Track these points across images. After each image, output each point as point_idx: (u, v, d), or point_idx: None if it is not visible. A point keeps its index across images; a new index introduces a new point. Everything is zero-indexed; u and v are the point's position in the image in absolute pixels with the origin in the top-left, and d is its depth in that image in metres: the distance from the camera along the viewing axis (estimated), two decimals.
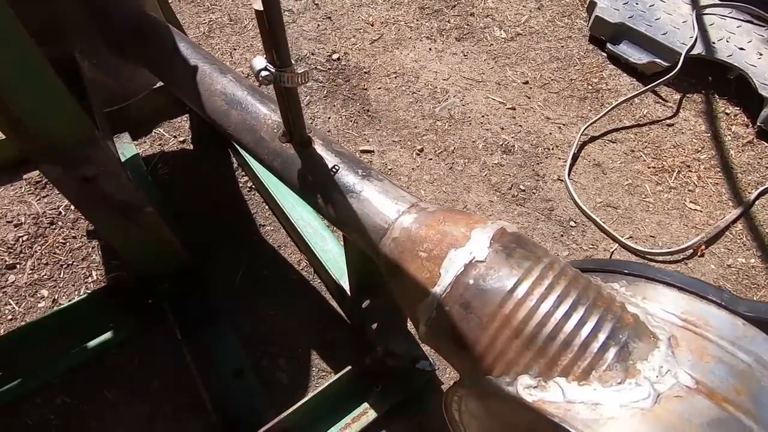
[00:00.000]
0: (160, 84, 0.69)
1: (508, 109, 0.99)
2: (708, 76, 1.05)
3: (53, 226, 0.72)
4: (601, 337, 0.24)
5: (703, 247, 0.75)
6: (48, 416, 0.56)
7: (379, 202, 0.35)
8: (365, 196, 0.35)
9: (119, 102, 0.64)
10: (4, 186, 0.77)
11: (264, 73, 0.32)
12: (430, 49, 1.12)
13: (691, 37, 1.04)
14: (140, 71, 0.60)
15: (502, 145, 0.91)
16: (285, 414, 0.50)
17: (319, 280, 0.70)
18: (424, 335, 0.32)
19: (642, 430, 0.22)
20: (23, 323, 0.61)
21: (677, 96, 1.03)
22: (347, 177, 0.36)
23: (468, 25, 1.18)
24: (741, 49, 1.02)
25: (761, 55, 1.00)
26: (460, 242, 0.30)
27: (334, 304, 0.67)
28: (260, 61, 0.32)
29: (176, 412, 0.57)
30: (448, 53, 1.11)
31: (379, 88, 1.01)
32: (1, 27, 0.30)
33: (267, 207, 0.78)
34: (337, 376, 0.53)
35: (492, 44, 1.14)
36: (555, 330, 0.25)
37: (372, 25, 1.17)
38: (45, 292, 0.65)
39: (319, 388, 0.52)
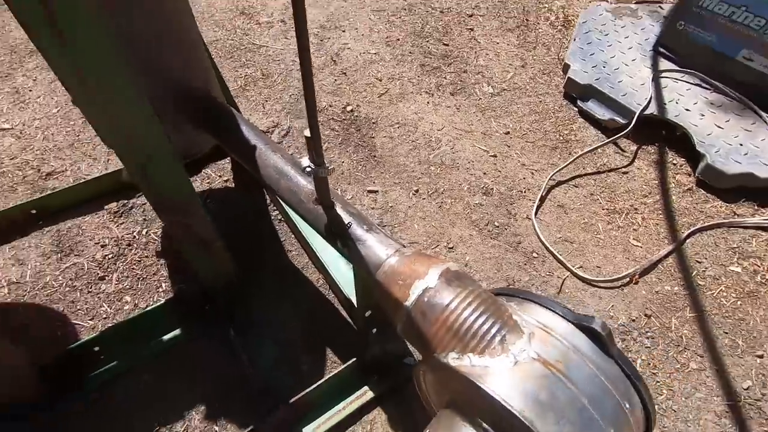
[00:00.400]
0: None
1: (490, 156, 1.20)
2: (662, 131, 1.24)
3: (130, 247, 0.94)
4: (492, 331, 0.44)
5: (637, 276, 0.94)
6: (137, 389, 0.76)
7: (376, 248, 0.55)
8: (368, 243, 0.56)
9: (189, 157, 0.86)
10: (91, 215, 0.99)
11: (308, 169, 0.53)
12: (428, 102, 1.33)
13: (647, 98, 1.24)
14: (205, 135, 0.82)
15: (483, 187, 1.12)
16: (306, 391, 0.70)
17: (332, 295, 0.90)
18: (401, 332, 0.52)
19: (506, 377, 0.41)
20: (115, 321, 0.82)
21: (634, 147, 1.23)
22: (357, 230, 0.57)
23: (461, 81, 1.40)
24: (687, 110, 1.22)
25: (703, 116, 1.20)
26: (421, 276, 0.50)
27: (344, 313, 0.87)
28: (305, 161, 0.53)
29: (227, 391, 0.77)
30: (443, 106, 1.32)
31: (384, 137, 1.23)
32: (154, 131, 0.52)
33: (293, 236, 0.99)
34: (345, 365, 0.73)
35: (481, 98, 1.35)
36: (468, 327, 0.45)
37: (380, 81, 1.40)
38: (128, 298, 0.86)
39: (331, 374, 0.72)
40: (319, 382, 0.71)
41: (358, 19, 1.60)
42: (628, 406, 0.45)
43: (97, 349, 0.76)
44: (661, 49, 1.36)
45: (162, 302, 0.81)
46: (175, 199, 0.58)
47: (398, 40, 1.53)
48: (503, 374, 0.42)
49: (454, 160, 1.17)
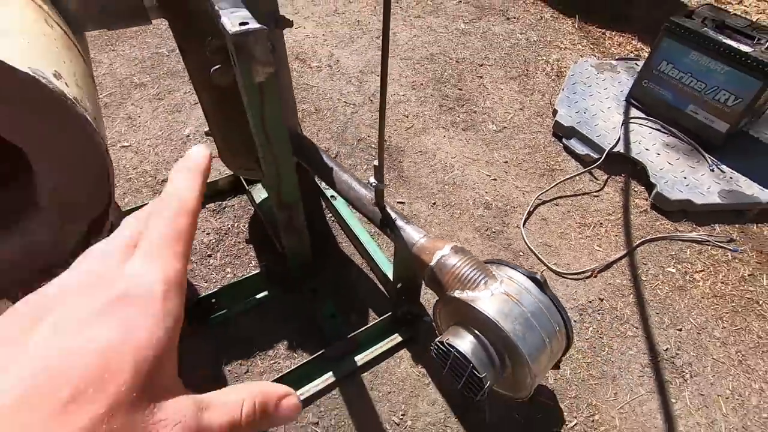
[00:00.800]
0: None
1: (491, 179, 1.55)
2: (627, 165, 1.58)
3: (227, 235, 1.30)
4: (480, 278, 0.78)
5: (596, 272, 1.27)
6: (240, 329, 1.10)
7: (412, 233, 0.90)
8: (407, 231, 0.90)
9: None
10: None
11: (373, 183, 0.88)
12: (444, 135, 1.70)
13: (616, 138, 1.59)
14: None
15: (484, 203, 1.46)
16: (356, 332, 1.04)
17: (372, 274, 1.24)
18: (426, 282, 0.86)
19: (487, 302, 0.75)
20: (222, 285, 1.17)
21: (605, 177, 1.57)
22: (400, 223, 0.92)
23: (471, 119, 1.77)
24: (647, 149, 1.56)
25: (659, 154, 1.54)
26: (440, 248, 0.84)
27: (381, 287, 1.21)
28: (372, 179, 0.89)
29: (302, 336, 1.11)
30: (456, 139, 1.68)
31: (409, 162, 1.59)
32: (288, 161, 0.88)
33: (343, 233, 1.34)
34: (381, 318, 1.07)
35: (486, 134, 1.71)
36: (466, 276, 0.79)
37: (407, 117, 1.77)
38: (229, 270, 1.22)
39: (372, 323, 1.06)
40: (365, 327, 1.05)
41: (392, 65, 1.99)
42: (557, 327, 0.78)
43: (213, 300, 1.11)
44: (631, 100, 1.72)
45: (254, 273, 1.16)
46: (290, 201, 0.94)
47: (421, 84, 1.91)
48: (485, 300, 0.76)
49: (463, 182, 1.52)
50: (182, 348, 0.87)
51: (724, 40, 1.39)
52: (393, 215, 0.93)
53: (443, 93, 1.87)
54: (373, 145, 1.63)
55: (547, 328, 0.76)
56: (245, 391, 0.19)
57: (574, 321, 1.16)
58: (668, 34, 1.51)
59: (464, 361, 0.75)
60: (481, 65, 2.02)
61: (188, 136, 1.62)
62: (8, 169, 0.70)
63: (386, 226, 0.93)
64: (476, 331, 0.78)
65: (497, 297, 0.76)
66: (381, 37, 0.68)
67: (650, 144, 1.57)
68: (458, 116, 1.77)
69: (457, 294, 0.79)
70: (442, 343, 0.79)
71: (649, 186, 1.48)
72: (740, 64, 1.37)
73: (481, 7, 2.43)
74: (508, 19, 2.35)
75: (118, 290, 0.17)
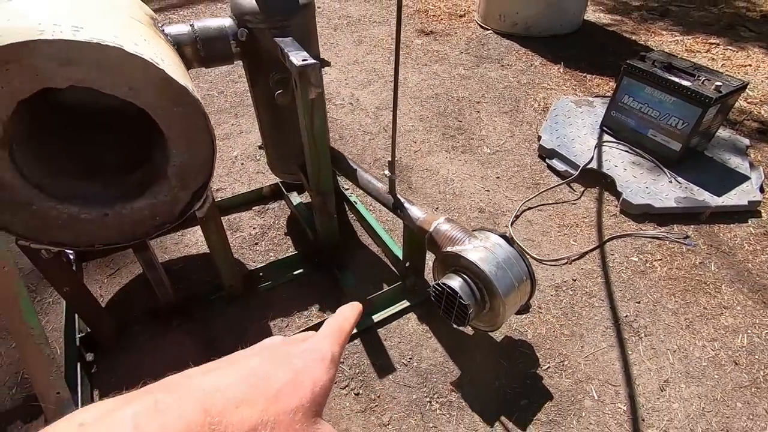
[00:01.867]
0: None
1: (485, 190, 1.86)
2: (600, 179, 1.88)
3: (269, 229, 1.62)
4: (465, 237, 1.06)
5: (571, 260, 1.54)
6: (281, 296, 1.39)
7: (416, 212, 1.20)
8: (412, 211, 1.20)
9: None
10: (244, 212, 1.69)
11: (387, 175, 1.20)
12: (446, 157, 2.03)
13: (590, 157, 1.90)
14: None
15: (479, 208, 1.76)
16: (373, 295, 1.32)
17: (385, 258, 1.53)
18: (426, 245, 1.15)
19: (471, 253, 1.03)
20: (267, 262, 1.47)
21: (582, 189, 1.86)
22: (406, 204, 1.22)
23: (469, 145, 2.11)
24: (615, 166, 1.86)
25: (625, 170, 1.84)
26: (436, 219, 1.14)
27: (392, 267, 1.50)
28: (387, 172, 1.21)
29: (329, 301, 1.38)
30: (456, 160, 2.01)
31: (417, 177, 1.92)
32: (324, 153, 1.21)
33: (361, 227, 1.65)
34: (393, 286, 1.35)
35: (481, 156, 2.04)
36: (455, 237, 1.07)
37: (415, 143, 2.12)
38: (272, 254, 1.52)
39: (386, 289, 1.34)
40: (380, 292, 1.33)
41: (401, 103, 2.38)
42: (523, 274, 1.06)
43: (261, 274, 1.41)
44: (604, 128, 2.05)
45: (292, 254, 1.46)
46: (326, 189, 1.26)
47: (427, 117, 2.28)
48: (469, 252, 1.04)
49: (461, 192, 1.84)
50: (243, 306, 1.23)
51: (670, 77, 1.73)
52: (402, 200, 1.24)
53: (446, 124, 2.23)
54: (387, 165, 1.97)
55: (514, 272, 1.04)
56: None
57: (551, 296, 1.42)
58: (626, 73, 1.86)
59: (453, 295, 1.03)
60: (478, 102, 2.40)
61: (236, 156, 1.99)
62: (146, 153, 1.04)
63: (397, 208, 1.24)
64: (462, 274, 1.06)
65: (477, 249, 1.05)
66: (393, 64, 1.02)
67: (619, 162, 1.88)
68: (458, 142, 2.11)
69: (448, 249, 1.08)
70: (437, 284, 1.07)
71: (617, 194, 1.77)
72: (683, 96, 1.69)
73: (480, 56, 2.85)
74: (502, 66, 2.75)
75: (305, 347, 0.26)
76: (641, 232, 1.64)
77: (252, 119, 2.23)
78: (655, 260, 1.53)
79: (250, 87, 1.33)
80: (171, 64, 0.89)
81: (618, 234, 1.63)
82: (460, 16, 3.47)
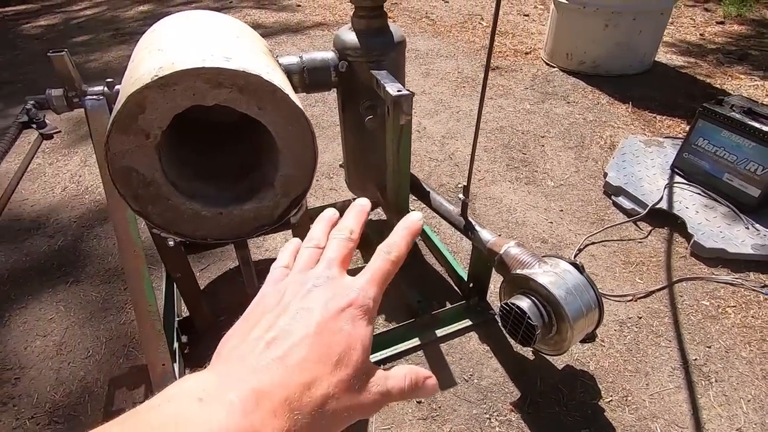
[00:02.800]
0: None
1: (548, 222, 1.89)
2: (670, 219, 1.86)
3: None
4: (535, 262, 1.12)
5: (636, 297, 1.53)
6: None
7: (486, 235, 1.27)
8: (482, 234, 1.27)
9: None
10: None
11: (461, 198, 1.29)
12: (509, 187, 2.09)
13: (659, 197, 1.88)
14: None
15: (541, 238, 1.80)
16: (438, 311, 1.38)
17: (447, 276, 1.60)
18: (496, 267, 1.21)
19: (541, 277, 1.09)
20: None
21: (649, 228, 1.84)
22: (477, 227, 1.30)
23: (533, 177, 2.16)
24: (687, 207, 1.83)
25: (697, 212, 1.80)
26: (506, 243, 1.20)
27: (455, 286, 1.56)
28: (461, 195, 1.30)
29: (395, 313, 1.46)
30: (519, 191, 2.07)
31: (481, 204, 1.99)
32: (405, 175, 1.32)
33: (426, 247, 1.73)
34: (456, 304, 1.41)
35: (545, 189, 2.08)
36: (525, 260, 1.13)
37: (479, 172, 2.20)
38: None
39: (450, 306, 1.41)
40: (444, 309, 1.40)
41: (465, 133, 2.48)
42: (592, 302, 1.09)
43: None
44: (675, 169, 2.03)
45: (361, 266, 1.57)
46: (403, 207, 1.37)
47: (492, 148, 2.36)
48: (539, 275, 1.09)
49: (524, 222, 1.88)
50: None
51: (750, 122, 1.71)
52: (473, 222, 1.32)
53: (510, 156, 2.30)
54: (450, 190, 2.07)
55: (584, 298, 1.08)
56: (407, 369, 0.27)
57: (614, 330, 1.41)
58: (702, 116, 1.85)
59: (522, 315, 1.08)
60: (543, 137, 2.45)
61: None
62: (256, 163, 1.20)
63: (468, 230, 1.32)
64: (531, 296, 1.11)
65: (547, 273, 1.10)
66: (480, 92, 1.12)
67: (690, 204, 1.85)
68: (522, 173, 2.17)
69: (519, 272, 1.14)
70: (506, 304, 1.12)
71: (688, 237, 1.74)
72: (764, 141, 1.66)
73: (545, 93, 2.92)
74: (568, 103, 2.80)
75: (350, 297, 0.26)
76: (714, 276, 1.60)
77: (327, 140, 2.42)
78: (729, 306, 1.49)
79: (341, 111, 1.48)
80: (290, 90, 1.04)
81: (688, 276, 1.60)
82: (526, 53, 3.57)
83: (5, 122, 2.67)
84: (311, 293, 0.27)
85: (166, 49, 0.96)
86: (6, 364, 1.33)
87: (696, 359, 1.32)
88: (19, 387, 1.27)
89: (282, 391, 0.21)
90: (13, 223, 1.87)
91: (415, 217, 0.32)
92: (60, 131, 1.08)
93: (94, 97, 1.13)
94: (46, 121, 1.07)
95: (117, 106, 0.89)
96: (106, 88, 1.14)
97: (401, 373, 0.27)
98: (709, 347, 1.36)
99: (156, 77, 0.85)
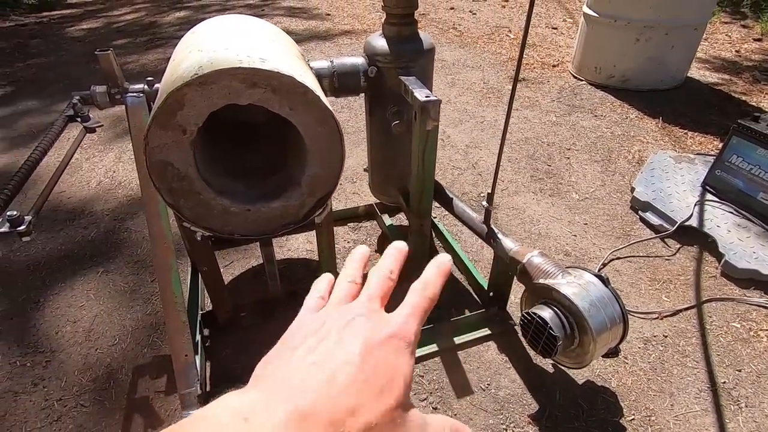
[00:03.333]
0: None
1: (572, 235, 1.86)
2: (700, 237, 1.80)
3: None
4: (559, 272, 1.10)
5: (662, 315, 1.48)
6: None
7: (509, 243, 1.26)
8: (505, 242, 1.27)
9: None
10: (340, 227, 1.86)
11: (485, 205, 1.29)
12: (533, 198, 2.07)
13: (689, 214, 1.83)
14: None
15: (564, 251, 1.77)
16: (456, 318, 1.37)
17: (467, 284, 1.59)
18: (518, 276, 1.20)
19: (564, 287, 1.07)
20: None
21: (677, 246, 1.79)
22: (499, 235, 1.29)
23: (557, 188, 2.13)
24: (718, 226, 1.78)
25: (729, 231, 1.75)
26: (529, 252, 1.19)
27: (474, 295, 1.55)
28: (484, 203, 1.30)
29: None
30: (543, 203, 2.04)
31: (503, 214, 1.97)
32: (429, 180, 1.33)
33: (444, 251, 1.72)
34: (475, 312, 1.40)
35: (569, 201, 2.05)
36: (548, 270, 1.12)
37: (503, 182, 2.18)
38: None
39: (469, 314, 1.40)
40: (463, 316, 1.39)
41: (489, 143, 2.48)
42: (616, 318, 1.07)
43: None
44: (706, 186, 1.97)
45: None
46: (425, 212, 1.37)
47: (516, 159, 2.34)
48: (562, 286, 1.08)
49: (547, 233, 1.86)
50: None
51: None
52: (495, 230, 1.32)
53: (534, 167, 2.28)
54: (473, 199, 2.06)
55: (608, 312, 1.06)
56: (446, 421, 0.27)
57: (638, 348, 1.38)
58: (736, 133, 1.80)
59: (543, 325, 1.06)
60: (569, 149, 2.42)
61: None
62: (283, 162, 1.23)
63: (491, 237, 1.32)
64: (553, 306, 1.09)
65: (571, 284, 1.09)
66: (508, 105, 1.12)
67: (722, 222, 1.79)
68: (546, 185, 2.15)
69: (541, 281, 1.13)
70: (528, 313, 1.11)
71: (719, 256, 1.68)
72: None
73: (572, 105, 2.89)
74: (595, 116, 2.76)
75: (392, 329, 0.26)
76: (746, 298, 1.54)
77: (351, 145, 2.45)
78: (761, 330, 1.43)
79: (368, 116, 1.50)
80: (320, 92, 1.07)
81: (718, 297, 1.55)
82: (553, 66, 3.54)
83: (49, 118, 2.81)
84: (354, 321, 0.27)
85: (205, 50, 1.00)
86: (38, 347, 1.38)
87: (725, 382, 1.27)
88: (49, 369, 1.32)
89: (327, 413, 0.21)
90: (50, 213, 1.96)
91: (445, 259, 0.32)
92: (102, 125, 1.13)
93: (135, 94, 1.18)
94: (90, 115, 1.12)
95: (158, 102, 0.93)
96: (146, 86, 1.20)
97: (440, 424, 0.26)
98: (740, 371, 1.30)
99: (195, 75, 0.89)
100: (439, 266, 0.32)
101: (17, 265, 1.71)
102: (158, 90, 1.16)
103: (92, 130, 1.08)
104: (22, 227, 0.70)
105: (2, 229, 0.67)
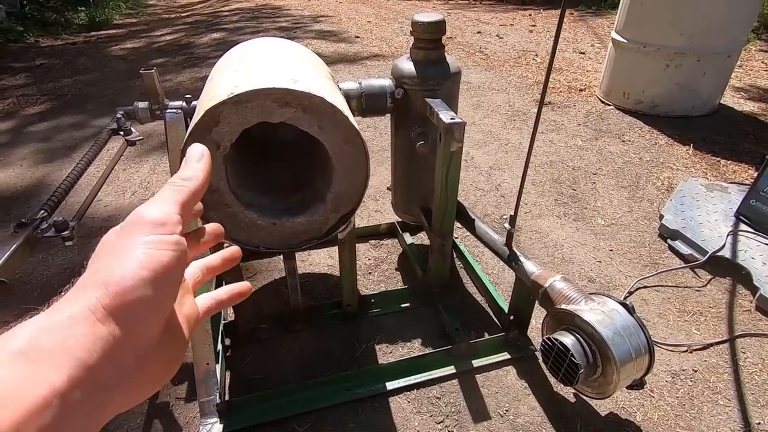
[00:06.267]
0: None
1: (597, 261, 1.82)
2: (733, 269, 1.73)
3: (383, 263, 1.77)
4: (582, 298, 1.08)
5: (692, 349, 1.42)
6: (388, 323, 1.50)
7: (531, 267, 1.25)
8: (526, 265, 1.25)
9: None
10: (361, 244, 1.88)
11: (507, 227, 1.29)
12: (557, 222, 2.04)
13: (721, 245, 1.77)
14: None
15: (588, 277, 1.73)
16: (475, 340, 1.36)
17: (487, 307, 1.57)
18: (540, 301, 1.18)
19: (587, 314, 1.05)
20: (377, 292, 1.61)
21: (709, 277, 1.73)
22: (521, 258, 1.28)
23: (582, 213, 2.10)
24: (753, 258, 1.71)
25: (765, 264, 1.67)
26: (552, 276, 1.17)
27: (494, 317, 1.53)
28: (507, 225, 1.29)
29: (431, 338, 1.45)
30: (567, 227, 2.01)
31: (525, 237, 1.95)
32: (453, 199, 1.33)
33: (467, 275, 1.72)
34: (495, 336, 1.38)
35: (595, 227, 2.02)
36: (570, 295, 1.10)
37: (526, 204, 2.17)
38: (383, 285, 1.65)
39: (489, 337, 1.38)
40: (482, 339, 1.37)
41: (513, 165, 2.47)
42: (642, 349, 1.04)
43: (373, 300, 1.54)
44: (740, 216, 1.90)
45: (402, 288, 1.58)
46: (447, 232, 1.38)
47: (540, 182, 2.33)
48: (585, 312, 1.06)
49: (571, 258, 1.82)
50: (355, 326, 1.36)
51: None
52: (518, 253, 1.31)
53: (559, 191, 2.25)
54: (495, 221, 2.05)
55: (633, 342, 1.03)
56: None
57: (666, 382, 1.32)
58: None
59: (565, 352, 1.04)
60: (595, 174, 2.39)
61: None
62: (308, 178, 1.27)
63: (512, 260, 1.31)
64: (576, 333, 1.07)
65: (594, 311, 1.06)
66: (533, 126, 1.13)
67: (757, 254, 1.72)
68: (570, 209, 2.12)
69: (563, 307, 1.11)
70: (549, 338, 1.09)
71: (754, 289, 1.61)
72: None
73: (599, 130, 2.86)
74: (623, 141, 2.73)
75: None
76: None
77: (375, 164, 2.49)
78: None
79: (393, 136, 1.54)
80: (348, 112, 1.10)
81: (752, 332, 1.48)
82: (580, 90, 3.53)
83: (87, 132, 2.97)
84: None
85: (241, 71, 1.06)
86: None
87: (759, 423, 1.20)
88: None
89: None
90: (87, 220, 2.06)
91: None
92: (143, 138, 1.19)
93: (174, 110, 1.25)
94: (132, 129, 1.19)
95: (195, 118, 0.98)
96: (184, 104, 1.26)
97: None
98: None
99: (232, 94, 0.93)
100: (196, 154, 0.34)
101: (54, 268, 1.79)
102: (195, 107, 1.22)
103: (133, 144, 1.14)
104: (66, 232, 0.74)
105: (49, 233, 0.71)
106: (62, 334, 0.22)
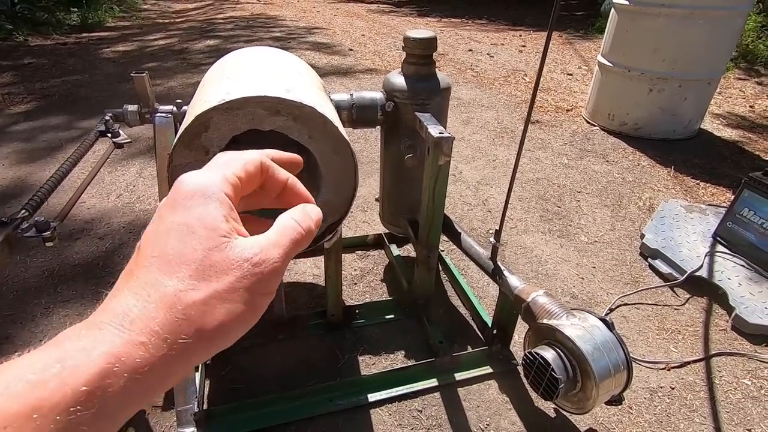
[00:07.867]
0: None
1: (579, 277, 1.85)
2: (710, 289, 1.78)
3: (368, 274, 1.77)
4: (563, 313, 1.10)
5: (669, 366, 1.45)
6: (372, 335, 1.49)
7: (514, 281, 1.26)
8: (510, 280, 1.27)
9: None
10: (349, 254, 1.88)
11: (492, 242, 1.30)
12: (541, 239, 2.07)
13: (699, 264, 1.81)
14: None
15: (571, 293, 1.75)
16: (459, 353, 1.36)
17: (471, 320, 1.58)
18: (522, 315, 1.20)
19: (568, 329, 1.07)
20: (363, 302, 1.61)
21: (687, 296, 1.77)
22: (506, 272, 1.30)
23: (566, 230, 2.14)
24: (729, 278, 1.75)
25: (740, 284, 1.72)
26: (534, 291, 1.19)
27: (478, 331, 1.54)
28: (492, 239, 1.31)
29: (415, 350, 1.45)
30: (551, 243, 2.05)
31: (510, 252, 1.98)
32: (439, 212, 1.35)
33: (452, 288, 1.72)
34: (478, 349, 1.39)
35: (578, 244, 2.05)
36: (552, 310, 1.11)
37: (512, 220, 2.20)
38: (368, 296, 1.65)
39: (472, 350, 1.38)
40: (465, 352, 1.37)
41: (500, 181, 2.51)
42: (620, 365, 1.05)
43: (357, 311, 1.54)
44: (717, 237, 1.96)
45: (387, 299, 1.58)
46: (433, 244, 1.39)
47: (526, 198, 2.37)
48: (566, 327, 1.07)
49: (554, 274, 1.85)
50: (339, 336, 1.36)
51: None
52: (502, 267, 1.32)
53: (544, 207, 2.29)
54: (481, 235, 2.07)
55: (612, 357, 1.04)
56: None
57: (644, 398, 1.34)
58: (748, 186, 1.81)
59: (545, 366, 1.05)
60: (579, 192, 2.44)
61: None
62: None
63: (496, 274, 1.32)
64: (556, 348, 1.08)
65: (575, 326, 1.08)
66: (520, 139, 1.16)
67: (733, 275, 1.77)
68: (555, 226, 2.15)
69: (545, 321, 1.12)
70: (530, 353, 1.10)
71: (729, 309, 1.65)
72: None
73: (584, 149, 2.93)
74: (607, 161, 2.79)
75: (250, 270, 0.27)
76: (757, 354, 1.50)
77: (364, 176, 2.50)
78: None
79: (382, 149, 1.55)
80: (339, 123, 1.12)
81: (728, 351, 1.51)
82: (567, 110, 3.62)
83: (72, 133, 2.93)
84: None
85: (234, 78, 1.07)
86: None
87: None
88: None
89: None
90: (69, 222, 2.02)
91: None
92: (131, 141, 1.19)
93: (164, 114, 1.24)
94: (120, 131, 1.19)
95: (185, 123, 0.99)
96: (174, 108, 1.26)
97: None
98: (749, 430, 1.26)
99: (223, 101, 0.94)
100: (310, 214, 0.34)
101: (33, 270, 1.75)
102: (185, 112, 1.22)
103: (120, 146, 1.14)
104: (47, 233, 0.74)
105: (29, 233, 0.70)
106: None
